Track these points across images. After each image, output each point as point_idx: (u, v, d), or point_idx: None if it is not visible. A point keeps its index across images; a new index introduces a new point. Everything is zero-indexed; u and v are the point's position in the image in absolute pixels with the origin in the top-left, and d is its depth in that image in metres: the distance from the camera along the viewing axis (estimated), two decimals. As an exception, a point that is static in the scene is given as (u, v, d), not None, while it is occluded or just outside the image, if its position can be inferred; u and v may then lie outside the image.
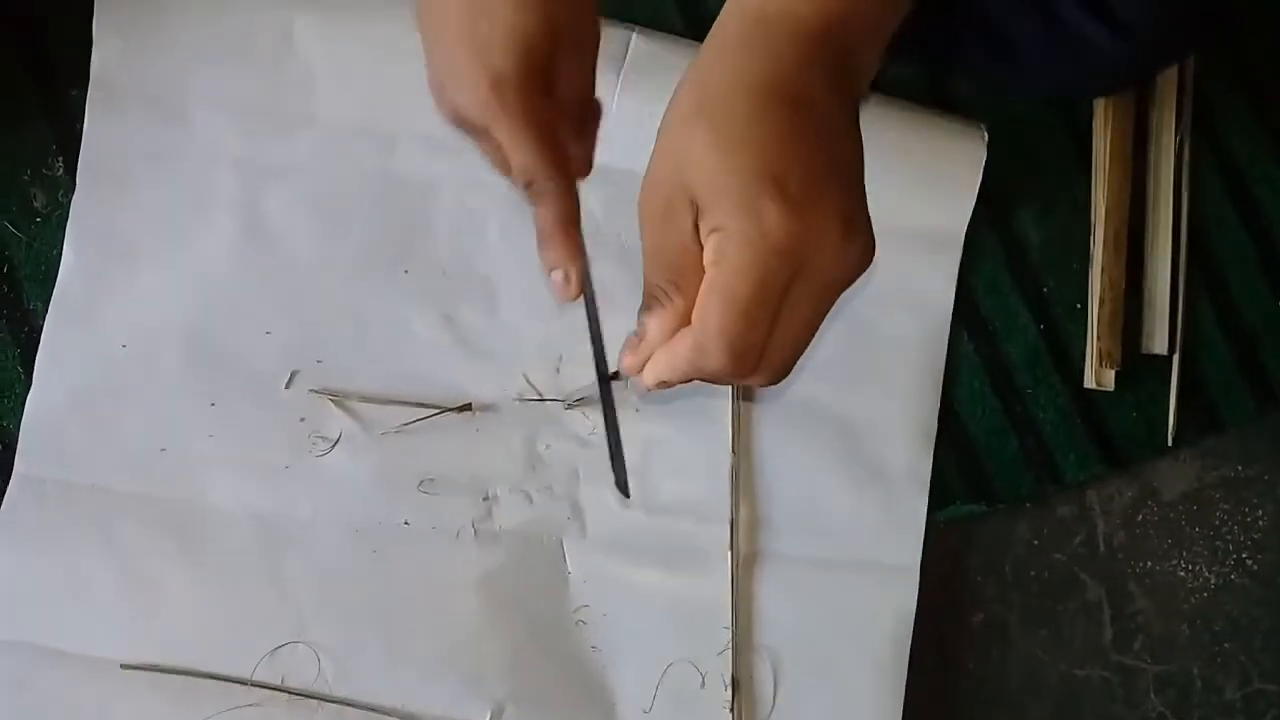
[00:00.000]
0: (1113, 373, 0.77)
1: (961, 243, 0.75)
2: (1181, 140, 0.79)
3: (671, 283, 0.43)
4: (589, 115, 0.54)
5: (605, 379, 0.54)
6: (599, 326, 0.55)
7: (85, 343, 0.67)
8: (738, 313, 0.41)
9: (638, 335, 0.45)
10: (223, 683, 0.66)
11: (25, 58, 0.69)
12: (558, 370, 0.71)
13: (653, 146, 0.45)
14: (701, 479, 0.72)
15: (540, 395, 0.71)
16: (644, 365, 0.46)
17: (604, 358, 0.55)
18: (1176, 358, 0.79)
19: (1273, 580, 0.82)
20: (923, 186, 0.73)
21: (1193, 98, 0.79)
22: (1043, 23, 0.66)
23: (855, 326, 0.73)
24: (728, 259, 0.41)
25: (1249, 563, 0.82)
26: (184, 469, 0.67)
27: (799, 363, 0.45)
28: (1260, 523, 0.82)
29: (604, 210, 0.72)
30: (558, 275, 0.52)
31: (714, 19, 0.73)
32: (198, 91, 0.69)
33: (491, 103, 0.48)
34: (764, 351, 0.43)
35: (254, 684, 0.66)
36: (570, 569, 0.71)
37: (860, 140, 0.44)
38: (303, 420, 0.68)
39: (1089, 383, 0.78)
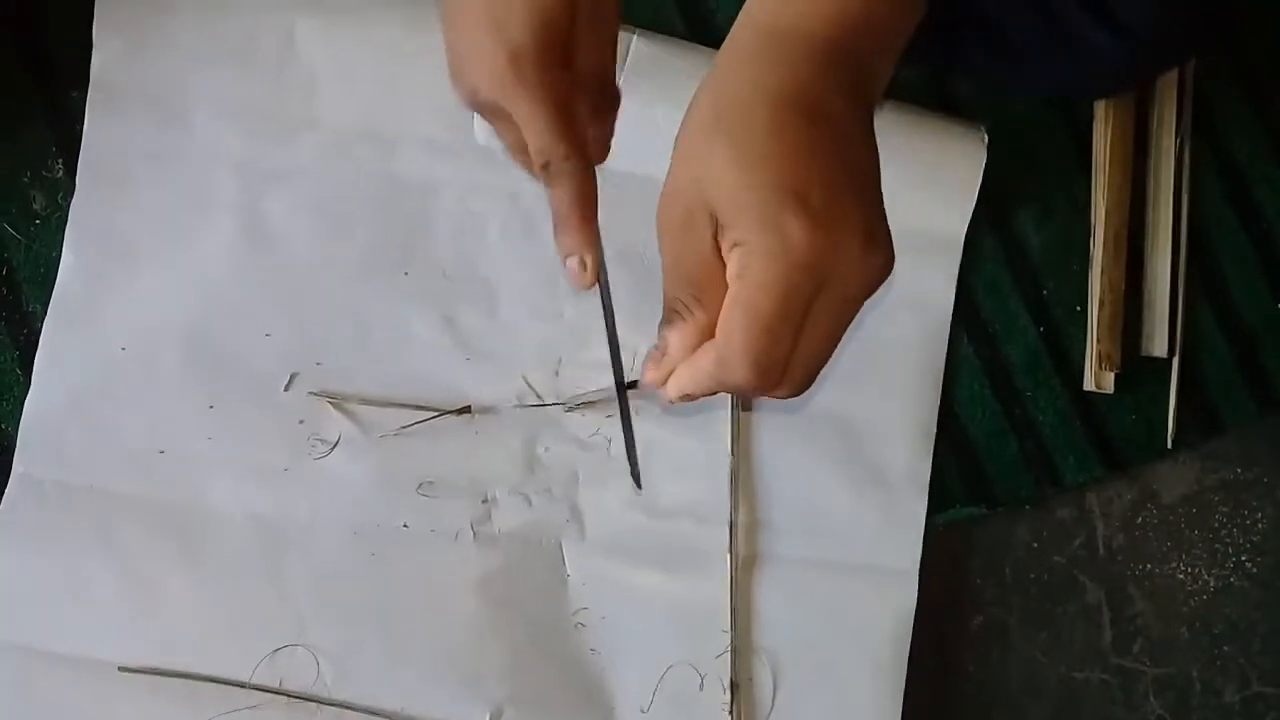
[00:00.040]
0: (1112, 375, 0.77)
1: (962, 244, 0.75)
2: (1181, 142, 0.79)
3: (692, 296, 0.43)
4: (607, 96, 0.53)
5: (619, 367, 0.54)
6: (613, 316, 0.54)
7: (84, 344, 0.67)
8: (762, 328, 0.41)
9: (659, 349, 0.45)
10: (222, 685, 0.66)
11: (25, 58, 0.69)
12: (557, 373, 0.71)
13: (668, 146, 0.45)
14: (701, 481, 0.72)
15: (540, 397, 0.71)
16: (666, 379, 0.46)
17: (618, 347, 0.54)
18: (1176, 360, 0.79)
19: (1272, 583, 0.82)
20: (923, 187, 0.73)
21: (1193, 99, 0.79)
22: (1043, 24, 0.66)
23: (855, 328, 0.73)
24: (751, 274, 0.41)
25: (1248, 565, 0.82)
26: (183, 470, 0.67)
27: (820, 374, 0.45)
28: (1260, 525, 0.82)
29: (605, 212, 0.71)
30: (573, 262, 0.51)
31: (714, 21, 0.74)
32: (199, 93, 0.69)
33: (509, 78, 0.47)
34: (788, 365, 0.43)
35: (253, 687, 0.66)
36: (569, 571, 0.71)
37: (876, 150, 0.44)
38: (302, 422, 0.68)
39: (1089, 385, 0.78)
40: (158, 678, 0.65)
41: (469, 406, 0.70)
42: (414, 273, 0.70)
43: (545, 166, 0.49)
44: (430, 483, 0.69)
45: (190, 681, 0.65)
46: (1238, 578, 0.82)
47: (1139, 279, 0.79)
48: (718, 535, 0.71)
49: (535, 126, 0.48)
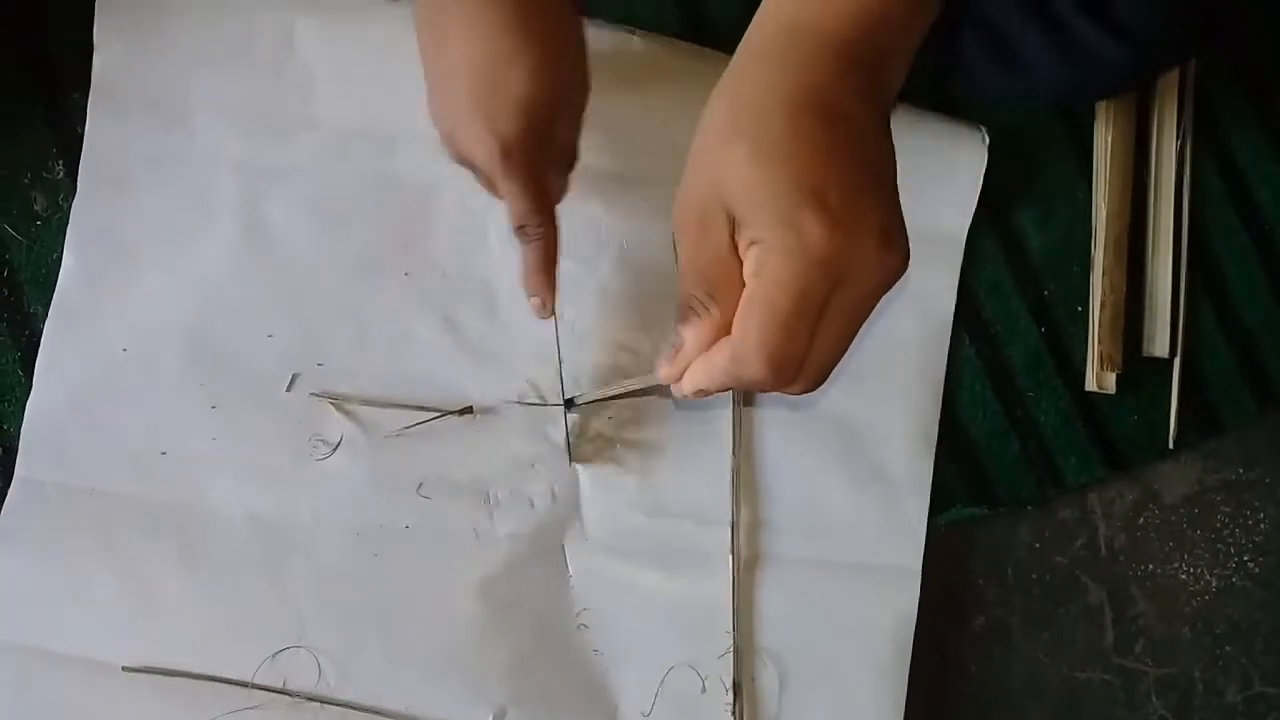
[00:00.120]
0: (1114, 376, 0.77)
1: (963, 245, 0.75)
2: (1182, 142, 0.79)
3: (708, 294, 0.44)
4: (572, 161, 0.61)
5: (563, 378, 0.69)
6: (559, 341, 0.68)
7: (85, 346, 0.67)
8: (778, 325, 0.42)
9: (675, 346, 0.45)
10: (224, 686, 0.66)
11: (25, 60, 0.69)
12: (558, 372, 0.71)
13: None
14: (702, 481, 0.72)
15: (541, 397, 0.71)
16: (681, 374, 0.46)
17: (560, 365, 0.69)
18: (1177, 360, 0.79)
19: (1274, 583, 0.82)
20: (924, 189, 0.73)
21: (1194, 99, 0.79)
22: (1043, 27, 0.66)
23: (864, 327, 0.73)
24: (768, 271, 0.41)
25: (1250, 565, 0.82)
26: (185, 472, 0.67)
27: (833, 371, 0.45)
28: (1261, 525, 0.82)
29: (606, 213, 0.72)
30: (536, 302, 0.63)
31: (714, 20, 0.74)
32: (198, 94, 0.69)
33: (498, 164, 0.55)
34: (803, 362, 0.43)
35: (256, 686, 0.66)
36: (571, 572, 0.71)
37: (893, 149, 0.44)
38: (304, 424, 0.68)
39: (1090, 385, 0.78)
40: (159, 679, 0.65)
41: (470, 407, 0.70)
42: (414, 273, 0.70)
43: (521, 229, 0.59)
44: (432, 483, 0.69)
45: (192, 682, 0.65)
46: (1240, 578, 0.82)
47: (1140, 280, 0.79)
48: (720, 535, 0.71)
49: (516, 200, 0.57)
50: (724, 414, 0.72)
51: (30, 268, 0.68)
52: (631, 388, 0.66)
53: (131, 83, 0.68)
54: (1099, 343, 0.77)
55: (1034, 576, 0.80)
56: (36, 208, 0.69)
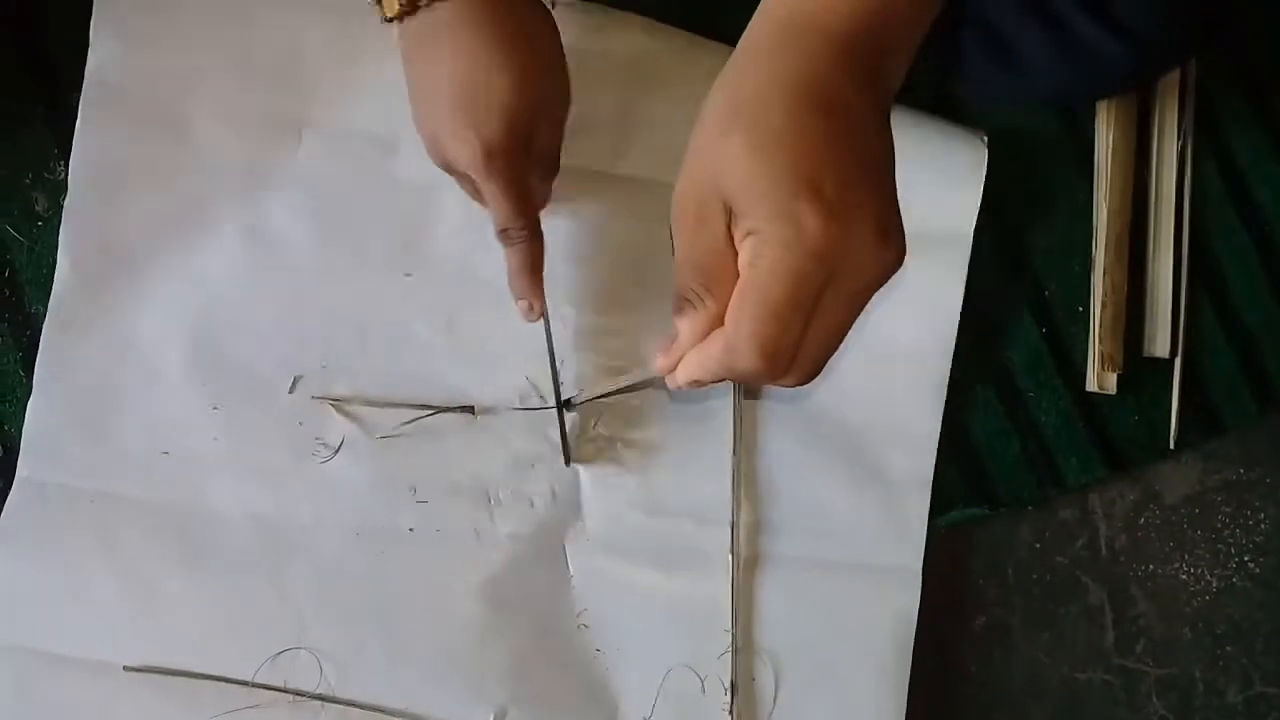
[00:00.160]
0: (1114, 376, 0.77)
1: (969, 247, 0.75)
2: (1183, 142, 0.79)
3: (704, 286, 0.44)
4: (553, 167, 0.64)
5: (558, 385, 0.69)
6: (552, 342, 0.68)
7: (85, 347, 0.67)
8: (771, 315, 0.42)
9: (669, 337, 0.45)
10: (225, 685, 0.66)
11: (26, 60, 0.69)
12: (553, 373, 0.71)
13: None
14: (703, 481, 0.72)
15: (542, 398, 0.71)
16: (676, 365, 0.46)
17: (556, 367, 0.69)
18: (1178, 361, 0.79)
19: (1274, 583, 0.82)
20: (925, 191, 0.72)
21: (1194, 99, 0.79)
22: (1043, 25, 0.66)
23: (859, 329, 0.73)
24: (763, 261, 0.42)
25: (1251, 566, 0.82)
26: (186, 473, 0.67)
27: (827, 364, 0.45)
28: (1262, 526, 0.82)
29: (606, 215, 0.72)
30: (523, 304, 0.64)
31: (716, 17, 0.74)
32: (197, 94, 0.69)
33: (482, 168, 0.57)
34: (796, 353, 0.43)
35: (256, 686, 0.66)
36: (572, 572, 0.71)
37: (892, 144, 0.44)
38: (305, 425, 0.68)
39: (1091, 386, 0.78)
40: (160, 679, 0.65)
41: (471, 407, 0.70)
42: (415, 274, 0.70)
43: (504, 233, 0.60)
44: (432, 484, 0.69)
45: (193, 682, 0.65)
46: (1240, 578, 0.82)
47: (1141, 280, 0.79)
48: (720, 535, 0.71)
49: (499, 204, 0.59)
50: (725, 413, 0.72)
51: (31, 268, 0.68)
52: (628, 383, 0.66)
53: (129, 82, 0.68)
54: (1100, 343, 0.77)
55: (1034, 577, 0.80)
56: (38, 208, 0.69)
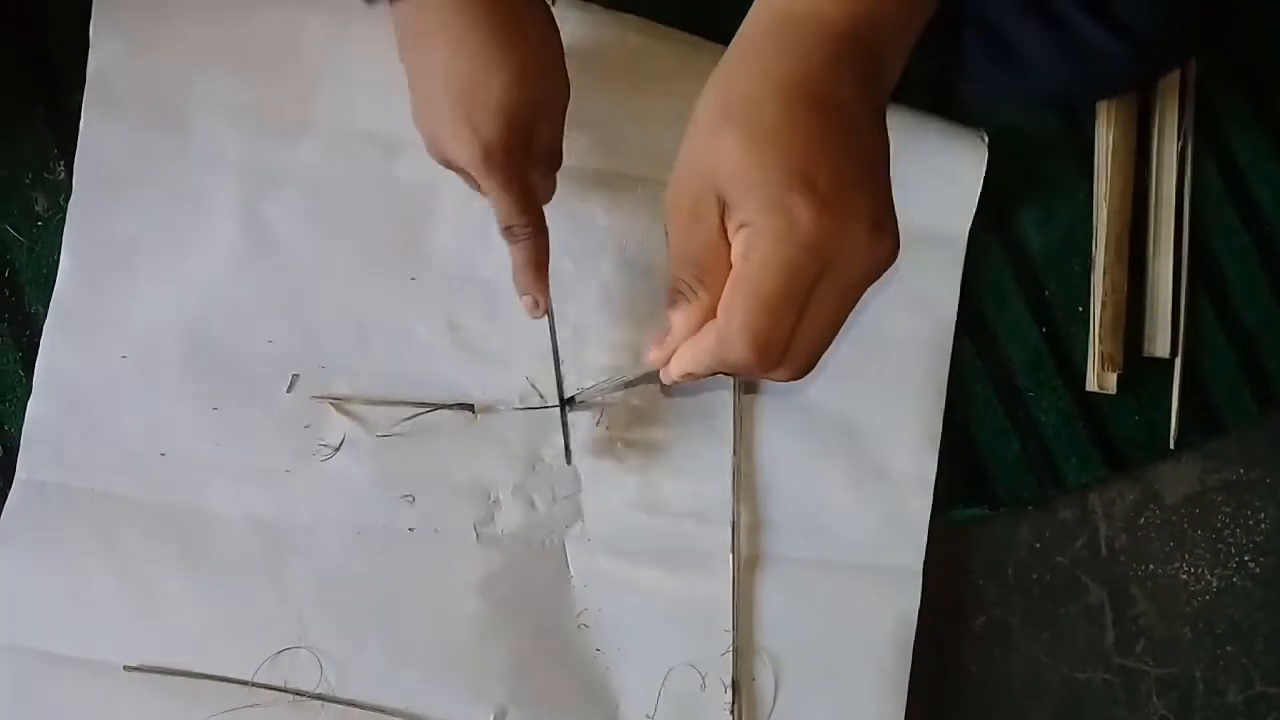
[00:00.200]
0: (1114, 376, 0.77)
1: (965, 246, 0.75)
2: (1183, 142, 0.79)
3: (696, 279, 0.44)
4: (555, 162, 0.63)
5: (560, 382, 0.69)
6: (556, 340, 0.68)
7: (85, 348, 0.67)
8: (763, 306, 0.42)
9: (662, 329, 0.45)
10: (225, 685, 0.66)
11: (26, 60, 0.69)
12: (555, 372, 0.71)
13: (668, 147, 0.45)
14: (703, 480, 0.72)
15: (542, 397, 0.71)
16: (669, 358, 0.46)
17: (560, 364, 0.69)
18: (1178, 361, 0.79)
19: (1274, 583, 0.82)
20: (925, 190, 0.73)
21: (1194, 99, 0.79)
22: (1044, 26, 0.66)
23: (859, 329, 0.73)
24: (756, 254, 0.42)
25: (1251, 565, 0.82)
26: (185, 473, 0.67)
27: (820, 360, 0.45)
28: (1262, 525, 0.82)
29: (606, 213, 0.72)
30: (528, 300, 0.63)
31: (716, 18, 0.74)
32: (198, 94, 0.69)
33: (482, 167, 0.57)
34: (788, 346, 0.43)
35: (256, 685, 0.66)
36: (572, 572, 0.71)
37: (887, 141, 0.44)
38: (305, 426, 0.68)
39: (1091, 386, 0.78)
40: (160, 679, 0.65)
41: (472, 405, 0.70)
42: (414, 274, 0.70)
43: (508, 230, 0.60)
44: (433, 484, 0.69)
45: (192, 682, 0.65)
46: (1240, 578, 0.82)
47: (1141, 280, 0.79)
48: (720, 535, 0.71)
49: (502, 203, 0.58)
50: (725, 413, 0.72)
51: (31, 268, 0.68)
52: (624, 379, 0.66)
53: (130, 83, 0.68)
54: (1100, 343, 0.77)
55: (1034, 576, 0.80)
56: (37, 208, 0.69)
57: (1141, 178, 0.79)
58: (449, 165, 0.60)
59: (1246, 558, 0.82)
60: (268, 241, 0.69)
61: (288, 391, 0.68)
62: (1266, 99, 0.81)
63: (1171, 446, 0.79)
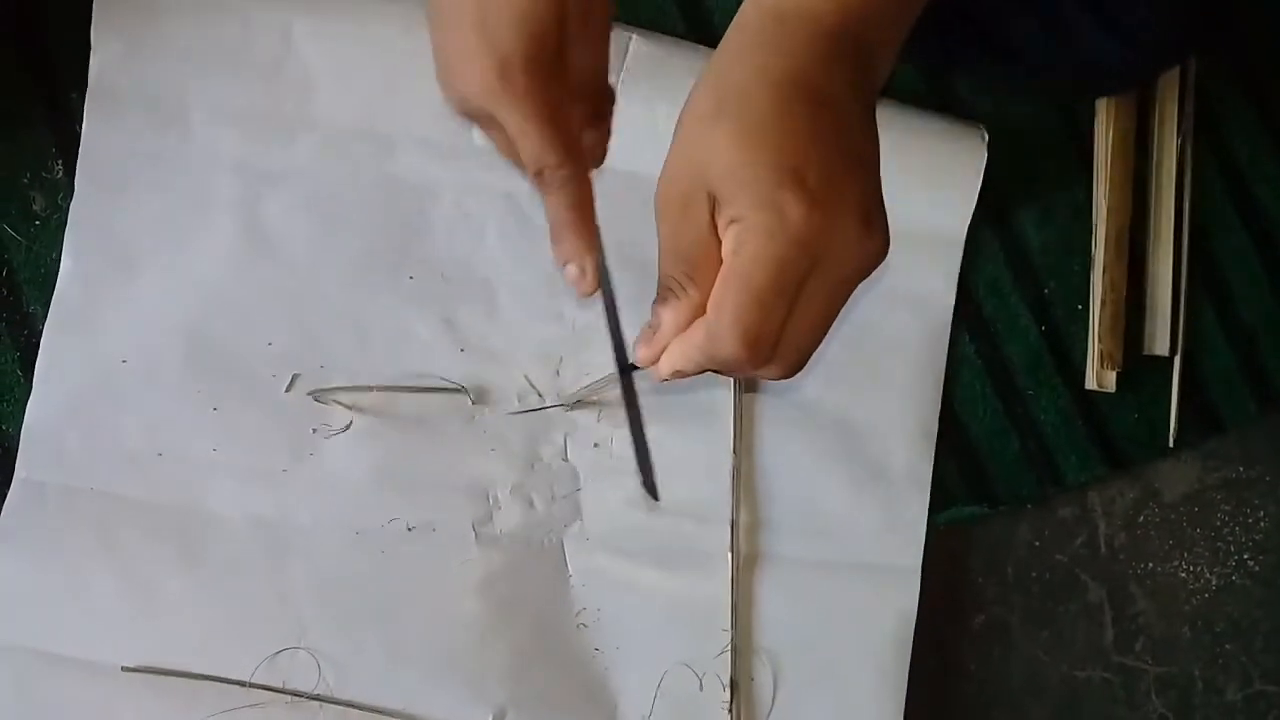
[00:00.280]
0: (1114, 374, 0.77)
1: (962, 244, 0.75)
2: (1183, 141, 0.79)
3: (686, 275, 0.44)
4: (602, 98, 0.53)
5: (628, 375, 0.51)
6: (619, 322, 0.52)
7: (85, 347, 0.67)
8: (753, 302, 0.42)
9: (652, 327, 0.45)
10: (223, 686, 0.66)
11: (25, 59, 0.69)
12: (557, 372, 0.71)
13: (669, 143, 0.45)
14: (702, 480, 0.72)
15: (541, 397, 0.71)
16: (659, 356, 0.46)
17: (625, 354, 0.51)
18: (1178, 359, 0.79)
19: (1274, 581, 0.82)
20: (923, 188, 0.73)
21: (1194, 98, 0.79)
22: (1043, 25, 0.66)
23: (856, 327, 0.73)
24: (746, 249, 0.42)
25: (1250, 564, 0.82)
26: (184, 473, 0.67)
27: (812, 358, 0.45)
28: (1261, 524, 0.82)
29: (604, 214, 0.72)
30: (572, 269, 0.51)
31: (714, 21, 0.74)
32: (196, 95, 0.69)
33: (498, 88, 0.47)
34: (778, 343, 0.43)
35: (254, 686, 0.66)
36: (571, 571, 0.71)
37: (877, 137, 0.44)
38: (304, 425, 0.68)
39: (1090, 384, 0.78)
40: (159, 679, 0.65)
41: (467, 390, 0.69)
42: (413, 274, 0.70)
43: (539, 175, 0.49)
44: (432, 484, 0.69)
45: (191, 682, 0.65)
46: (1239, 576, 0.82)
47: (1140, 278, 0.79)
48: (719, 534, 0.71)
49: (527, 136, 0.48)
50: (725, 413, 0.72)
51: (29, 268, 0.68)
52: (609, 376, 0.65)
53: (129, 83, 0.68)
54: (1099, 341, 0.77)
55: (1034, 575, 0.80)
56: (35, 208, 0.69)
57: (1141, 176, 0.79)
58: (468, 110, 0.50)
59: (1246, 556, 0.82)
60: (266, 241, 0.69)
61: (286, 391, 0.68)
62: (1266, 99, 0.81)
63: (1171, 445, 0.79)
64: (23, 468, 0.66)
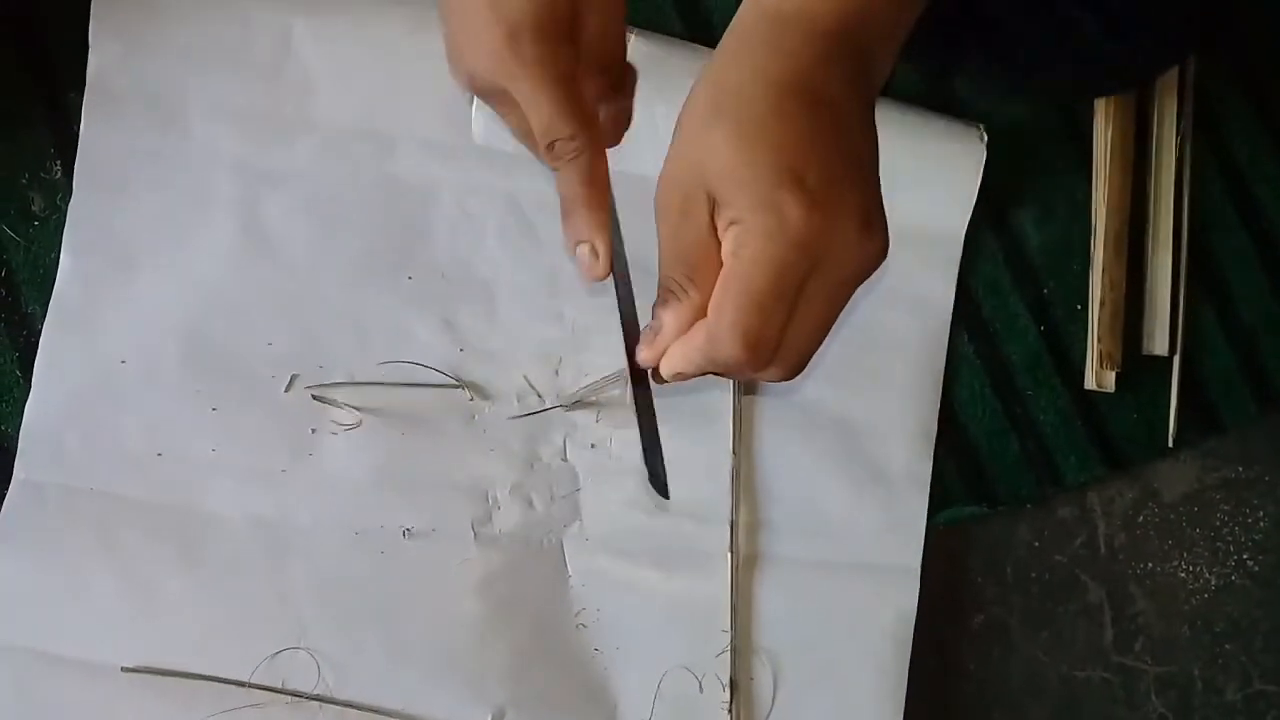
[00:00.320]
0: (1113, 374, 0.77)
1: (961, 243, 0.75)
2: (1182, 141, 0.79)
3: (687, 277, 0.44)
4: (618, 71, 0.52)
5: (638, 368, 0.49)
6: (634, 307, 0.52)
7: (84, 347, 0.67)
8: (753, 304, 0.42)
9: (653, 329, 0.45)
10: (223, 686, 0.66)
11: (24, 60, 0.69)
12: (557, 372, 0.71)
13: (668, 143, 0.45)
14: (702, 480, 0.72)
15: (540, 397, 0.71)
16: (660, 358, 0.46)
17: (636, 343, 0.49)
18: (1177, 359, 0.79)
19: (1273, 581, 0.82)
20: (922, 187, 0.73)
21: (1193, 98, 0.79)
22: (1043, 24, 0.66)
23: (855, 327, 0.73)
24: (746, 251, 0.42)
25: (1250, 564, 0.82)
26: (184, 473, 0.67)
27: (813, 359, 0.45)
28: (1261, 524, 0.82)
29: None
30: (584, 250, 0.50)
31: (713, 21, 0.74)
32: (195, 95, 0.69)
33: (507, 56, 0.46)
34: (779, 345, 0.43)
35: (254, 686, 0.66)
36: (571, 572, 0.71)
37: (876, 138, 0.44)
38: (303, 425, 0.68)
39: (1089, 384, 0.78)
40: (158, 679, 0.65)
41: (464, 385, 0.69)
42: (413, 275, 0.70)
43: (550, 148, 0.48)
44: (431, 484, 0.69)
45: (191, 682, 0.65)
46: (1239, 576, 0.82)
47: (1140, 278, 0.79)
48: (719, 535, 0.71)
49: (537, 106, 0.47)
50: (724, 413, 0.72)
51: (28, 268, 0.68)
52: (609, 377, 0.65)
53: (128, 84, 0.68)
54: (1098, 341, 0.77)
55: (1033, 575, 0.80)
56: (34, 208, 0.69)
57: (1140, 175, 0.79)
58: (478, 85, 0.49)
59: (1245, 556, 0.82)
60: (266, 242, 0.69)
61: (286, 391, 0.68)
62: (1266, 99, 0.81)
63: (1170, 445, 0.79)
64: (22, 468, 0.66)
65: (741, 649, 0.71)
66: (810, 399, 0.73)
